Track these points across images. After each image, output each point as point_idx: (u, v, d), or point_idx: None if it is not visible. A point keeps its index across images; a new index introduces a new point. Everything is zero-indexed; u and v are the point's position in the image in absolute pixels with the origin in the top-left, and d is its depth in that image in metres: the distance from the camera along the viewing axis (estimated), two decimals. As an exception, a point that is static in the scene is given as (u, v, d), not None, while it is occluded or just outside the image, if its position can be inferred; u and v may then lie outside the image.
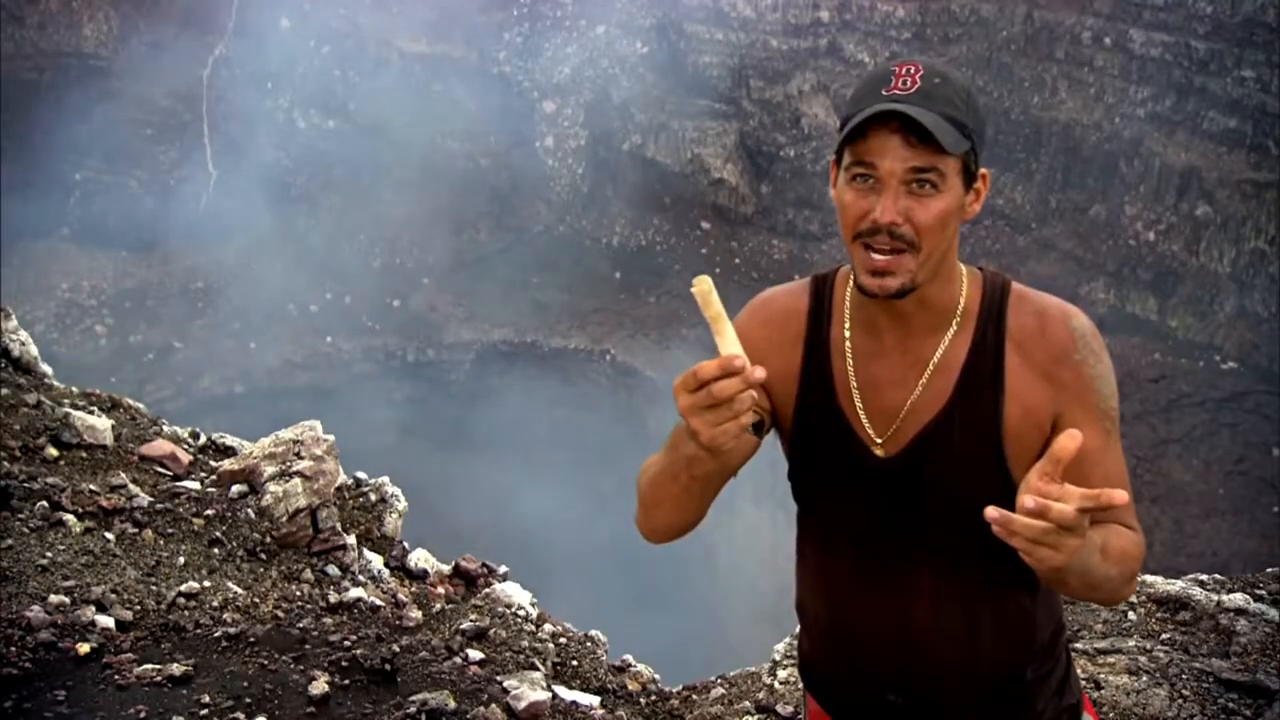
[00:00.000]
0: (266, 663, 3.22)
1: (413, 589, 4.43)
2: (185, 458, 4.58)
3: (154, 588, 3.55)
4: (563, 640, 4.28)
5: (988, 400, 1.80)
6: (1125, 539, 1.76)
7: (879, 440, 1.86)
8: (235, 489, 4.19)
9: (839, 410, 1.89)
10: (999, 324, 1.84)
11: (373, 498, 4.76)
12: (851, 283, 1.89)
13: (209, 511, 4.06)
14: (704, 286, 1.57)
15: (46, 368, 5.08)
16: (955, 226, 1.76)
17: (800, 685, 3.87)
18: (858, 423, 1.87)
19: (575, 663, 4.17)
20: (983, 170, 1.78)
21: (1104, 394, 1.81)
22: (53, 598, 3.29)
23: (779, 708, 3.91)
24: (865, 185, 1.72)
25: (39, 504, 3.73)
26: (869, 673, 1.96)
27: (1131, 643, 4.00)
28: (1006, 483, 1.80)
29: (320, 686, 3.09)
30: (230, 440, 5.16)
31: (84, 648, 3.10)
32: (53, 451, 4.18)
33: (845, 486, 1.90)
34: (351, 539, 4.30)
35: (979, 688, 1.92)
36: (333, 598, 3.93)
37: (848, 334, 1.90)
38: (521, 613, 4.28)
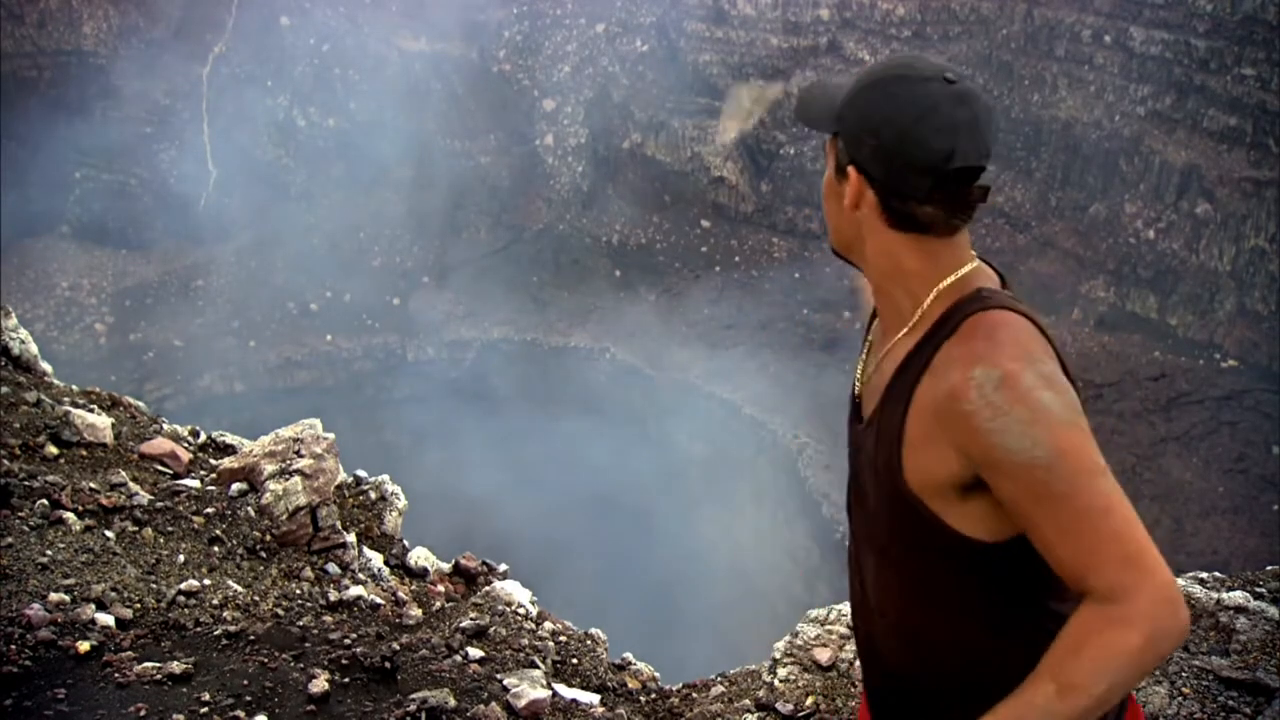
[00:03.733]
0: (266, 661, 3.22)
1: (413, 587, 4.43)
2: (185, 456, 4.58)
3: (154, 586, 3.55)
4: (562, 638, 4.28)
5: (898, 411, 1.82)
6: (1076, 648, 1.58)
7: (863, 419, 1.96)
8: (235, 487, 4.19)
9: (854, 388, 2.04)
10: (937, 344, 1.79)
11: (372, 496, 4.76)
12: None
13: (209, 510, 4.06)
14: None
15: (46, 366, 5.08)
16: (846, 213, 1.86)
17: (800, 682, 3.86)
18: (855, 400, 2.02)
19: (575, 661, 4.17)
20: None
21: (1013, 448, 1.63)
22: (53, 596, 3.28)
23: (779, 705, 3.90)
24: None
25: (39, 502, 3.73)
26: (861, 651, 2.08)
27: (1131, 641, 3.99)
28: (899, 491, 1.80)
29: (320, 684, 3.09)
30: (230, 438, 5.16)
31: (84, 646, 3.10)
32: (53, 450, 4.19)
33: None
34: (351, 537, 4.30)
35: (923, 686, 1.94)
36: (333, 596, 3.93)
37: (874, 322, 2.06)
38: (521, 611, 4.28)
